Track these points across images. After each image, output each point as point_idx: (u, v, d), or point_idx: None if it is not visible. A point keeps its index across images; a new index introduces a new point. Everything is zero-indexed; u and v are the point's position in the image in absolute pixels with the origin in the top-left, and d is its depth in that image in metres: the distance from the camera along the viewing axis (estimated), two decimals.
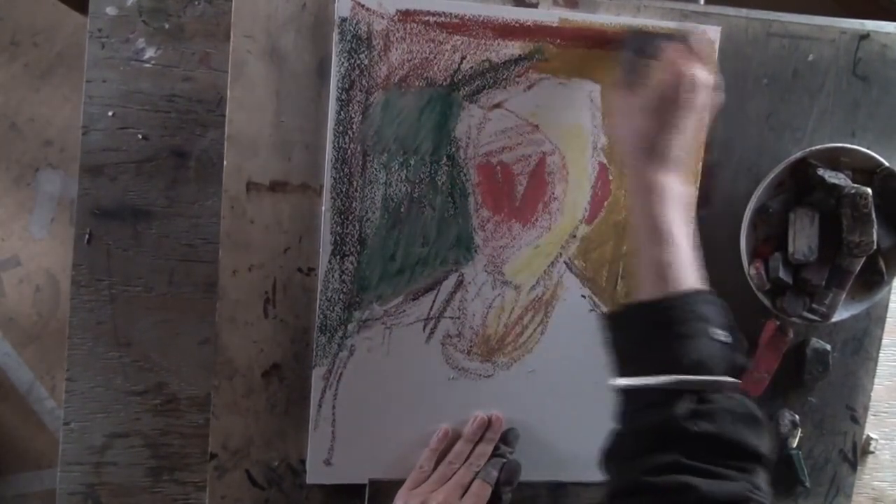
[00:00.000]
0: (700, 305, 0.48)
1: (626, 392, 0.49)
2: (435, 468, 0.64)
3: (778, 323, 0.70)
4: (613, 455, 0.48)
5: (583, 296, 0.67)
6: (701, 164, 0.67)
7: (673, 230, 0.50)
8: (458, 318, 0.65)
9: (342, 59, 0.60)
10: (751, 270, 0.66)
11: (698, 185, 0.67)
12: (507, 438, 0.66)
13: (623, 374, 0.50)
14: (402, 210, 0.63)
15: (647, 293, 0.50)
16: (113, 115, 0.61)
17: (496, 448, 0.65)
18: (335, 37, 0.60)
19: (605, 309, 0.67)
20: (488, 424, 0.66)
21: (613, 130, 0.59)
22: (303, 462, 0.65)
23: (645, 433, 0.47)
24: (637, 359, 0.49)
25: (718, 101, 0.56)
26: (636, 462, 0.45)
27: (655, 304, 0.49)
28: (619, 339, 0.51)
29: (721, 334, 0.48)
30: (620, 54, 0.61)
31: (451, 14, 0.61)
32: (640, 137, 0.54)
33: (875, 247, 0.63)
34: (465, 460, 0.64)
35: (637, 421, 0.48)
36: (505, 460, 0.64)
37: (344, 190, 0.62)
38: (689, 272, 0.50)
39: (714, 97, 0.56)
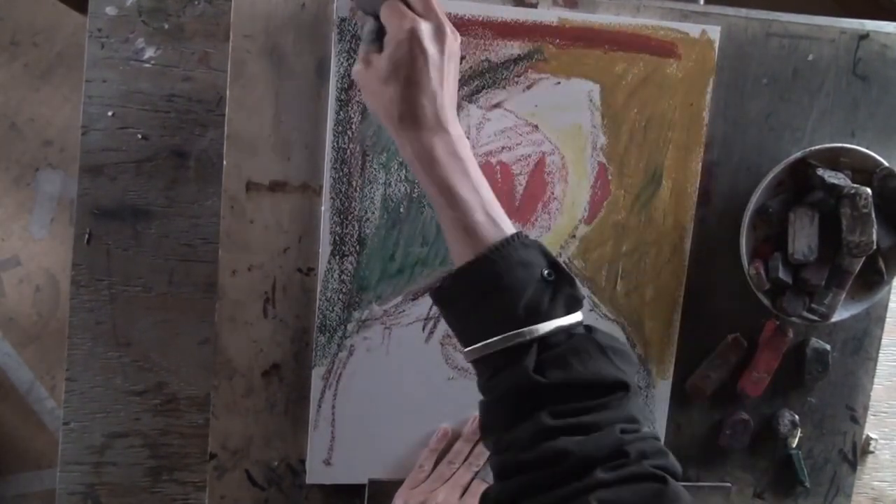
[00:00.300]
0: (514, 252, 0.46)
1: (476, 362, 0.48)
2: (434, 468, 0.64)
3: (778, 323, 0.70)
4: (486, 428, 0.47)
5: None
6: (701, 163, 0.67)
7: (458, 190, 0.48)
8: None
9: (342, 59, 0.60)
10: (751, 270, 0.66)
11: (698, 184, 0.67)
12: None
13: (467, 343, 0.48)
14: (401, 210, 0.63)
15: (460, 258, 0.48)
16: (113, 115, 0.61)
17: None
18: (335, 37, 0.60)
19: (603, 311, 0.67)
20: None
21: (370, 109, 0.54)
22: (302, 462, 0.65)
23: (504, 399, 0.45)
24: (474, 326, 0.47)
25: (454, 41, 0.51)
26: (508, 435, 0.44)
27: (471, 267, 0.47)
28: (452, 312, 0.49)
29: (545, 273, 0.46)
30: (356, 17, 0.57)
31: (450, 14, 0.61)
32: (393, 105, 0.50)
33: (875, 247, 0.63)
34: (465, 460, 0.64)
35: (495, 389, 0.46)
36: None
37: (343, 190, 0.62)
38: (490, 224, 0.47)
39: (448, 41, 0.51)
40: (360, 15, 0.56)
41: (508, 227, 0.48)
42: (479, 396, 0.66)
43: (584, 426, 0.42)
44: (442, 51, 0.50)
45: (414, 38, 0.49)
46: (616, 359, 0.45)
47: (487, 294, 0.46)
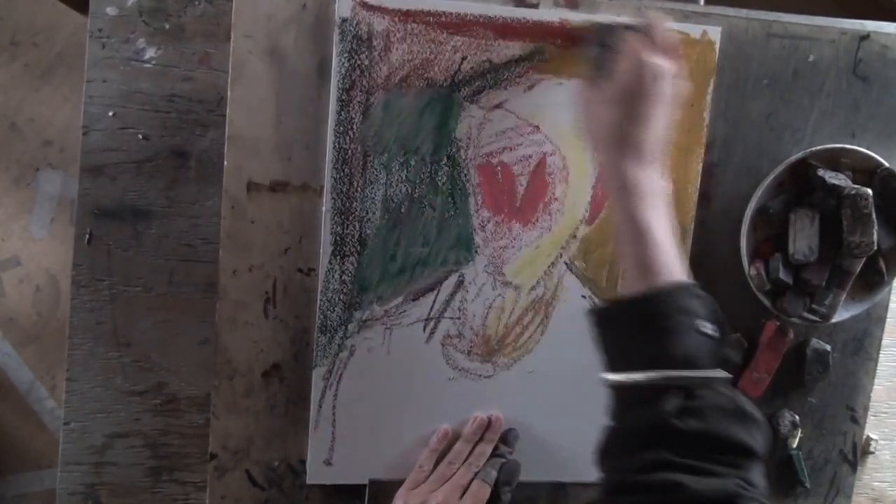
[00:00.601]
0: (684, 299, 0.47)
1: (616, 388, 0.49)
2: (435, 468, 0.64)
3: (778, 323, 0.70)
4: (606, 451, 0.48)
5: (583, 296, 0.67)
6: (701, 164, 0.67)
7: (652, 226, 0.50)
8: (459, 318, 0.65)
9: (343, 60, 0.60)
10: (751, 271, 0.66)
11: (698, 185, 0.67)
12: (506, 439, 0.66)
13: (612, 369, 0.49)
14: (402, 210, 0.63)
15: (631, 289, 0.49)
16: (113, 115, 0.61)
17: (496, 448, 0.65)
18: (336, 37, 0.60)
19: (592, 305, 0.67)
20: (488, 425, 0.66)
21: (583, 127, 0.57)
22: (303, 462, 0.65)
23: (635, 430, 0.46)
24: (625, 355, 0.49)
25: (684, 89, 0.54)
26: (627, 460, 0.45)
27: (639, 299, 0.48)
28: (606, 335, 0.51)
29: (708, 327, 0.47)
30: (586, 50, 0.60)
31: (451, 14, 0.61)
32: (609, 130, 0.52)
33: (875, 247, 0.63)
34: (465, 460, 0.64)
35: (627, 418, 0.48)
36: (504, 460, 0.64)
37: (344, 190, 0.62)
38: (671, 267, 0.49)
39: (679, 86, 0.54)
40: (598, 46, 0.58)
41: (683, 275, 0.49)
42: (480, 397, 0.66)
43: (704, 471, 0.43)
44: (671, 93, 0.52)
45: (658, 77, 0.51)
46: (751, 425, 0.45)
47: (649, 330, 0.47)
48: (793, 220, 0.65)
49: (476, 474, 0.63)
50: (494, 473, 0.63)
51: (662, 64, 0.52)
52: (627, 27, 0.57)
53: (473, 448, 0.65)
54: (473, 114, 0.63)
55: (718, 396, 0.45)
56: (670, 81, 0.52)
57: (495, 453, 0.65)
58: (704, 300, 0.49)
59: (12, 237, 1.46)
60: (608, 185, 0.53)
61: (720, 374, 0.46)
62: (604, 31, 0.59)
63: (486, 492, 0.61)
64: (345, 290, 0.63)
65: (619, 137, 0.52)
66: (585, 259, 0.67)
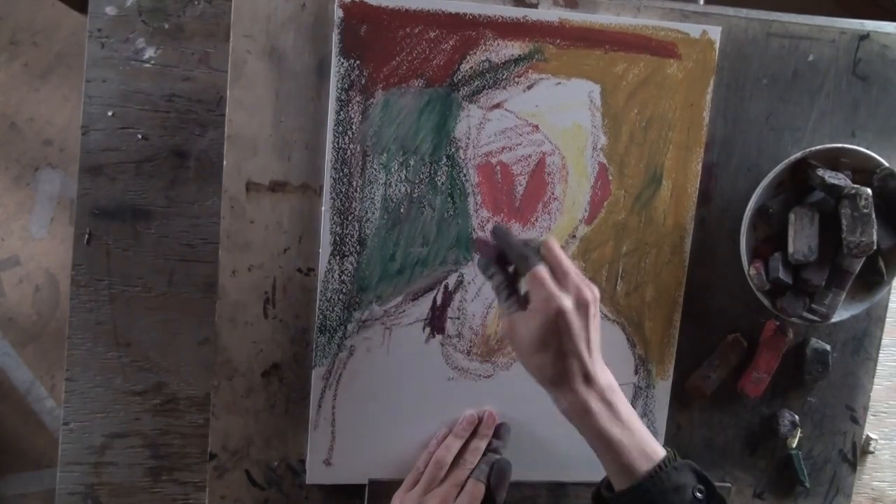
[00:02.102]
0: (666, 478, 0.51)
1: None
2: None
3: (778, 323, 0.70)
4: None
5: None
6: (701, 163, 0.67)
7: (611, 435, 0.52)
8: (458, 318, 0.65)
9: (342, 60, 0.60)
10: (751, 270, 0.66)
11: (698, 184, 0.67)
12: (498, 433, 0.66)
13: None
14: (401, 210, 0.63)
15: (617, 484, 0.53)
16: (113, 115, 0.61)
17: (489, 444, 0.65)
18: (335, 37, 0.60)
19: (603, 311, 0.67)
20: (480, 421, 0.66)
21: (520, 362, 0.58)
22: (302, 462, 0.65)
23: None
24: None
25: (596, 301, 0.54)
26: None
27: (625, 495, 0.52)
28: None
29: (696, 493, 0.51)
30: (486, 273, 0.58)
31: (450, 14, 0.61)
32: (539, 370, 0.54)
33: (875, 247, 0.63)
34: (459, 458, 0.64)
35: None
36: (497, 457, 0.64)
37: (344, 190, 0.62)
38: (643, 458, 0.52)
39: (592, 306, 0.53)
40: (488, 265, 0.57)
41: (659, 454, 0.52)
42: (479, 396, 0.66)
43: None
44: (585, 319, 0.53)
45: (561, 317, 0.52)
46: None
47: None
48: (792, 220, 0.65)
49: (471, 473, 0.63)
50: (488, 471, 0.63)
51: (564, 303, 0.52)
52: (524, 248, 0.56)
53: (467, 444, 0.65)
54: (472, 113, 0.63)
55: None
56: (576, 314, 0.52)
57: (489, 449, 0.65)
58: (685, 468, 0.52)
59: (12, 237, 1.46)
60: (560, 411, 0.54)
61: None
62: (500, 239, 0.57)
63: (482, 490, 0.61)
64: (344, 290, 0.63)
65: (556, 374, 0.53)
66: (585, 258, 0.67)
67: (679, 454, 0.54)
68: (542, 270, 0.53)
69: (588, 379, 0.53)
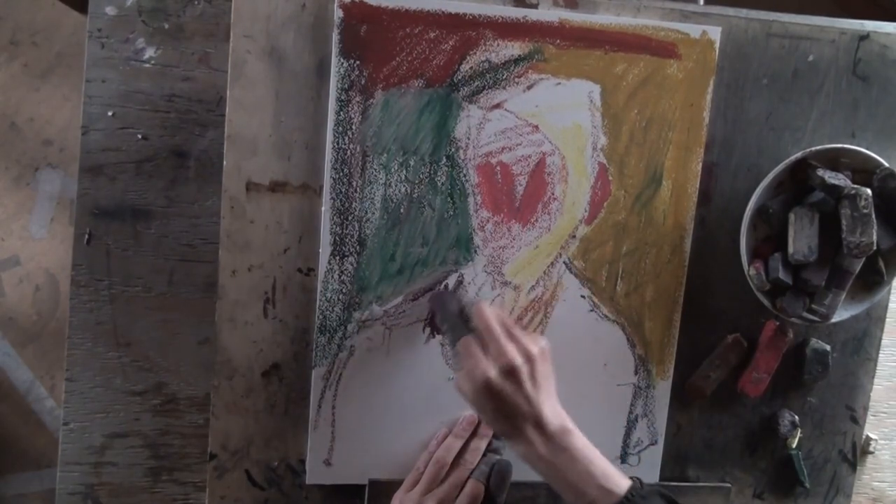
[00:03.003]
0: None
1: None
2: None
3: (778, 323, 0.70)
4: None
5: (582, 296, 0.67)
6: (701, 163, 0.67)
7: (569, 478, 0.53)
8: None
9: (342, 60, 0.60)
10: (751, 270, 0.66)
11: (698, 185, 0.67)
12: None
13: None
14: (401, 210, 0.63)
15: None
16: (113, 115, 0.61)
17: (489, 444, 0.65)
18: (335, 37, 0.60)
19: (603, 311, 0.67)
20: (479, 422, 0.66)
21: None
22: (302, 462, 0.65)
23: None
24: None
25: (540, 361, 0.56)
26: None
27: None
28: None
29: None
30: (438, 319, 0.63)
31: (450, 14, 0.61)
32: (490, 423, 0.57)
33: (875, 247, 0.63)
34: (459, 459, 0.64)
35: None
36: (497, 458, 0.64)
37: (344, 190, 0.62)
38: (605, 495, 0.52)
39: (523, 368, 0.55)
40: (442, 319, 0.62)
41: (623, 487, 0.53)
42: None
43: None
44: (516, 382, 0.54)
45: (488, 387, 0.54)
46: None
47: None
48: (792, 220, 0.65)
49: (471, 473, 0.63)
50: (488, 471, 0.63)
51: (489, 373, 0.54)
52: (456, 318, 0.59)
53: (467, 444, 0.65)
54: (472, 114, 0.63)
55: None
56: (505, 379, 0.54)
57: (489, 449, 0.65)
58: (650, 496, 0.53)
59: (12, 237, 1.46)
60: (517, 455, 0.56)
61: None
62: (437, 308, 0.62)
63: (481, 491, 0.61)
64: (344, 291, 0.63)
65: (504, 430, 0.55)
66: (584, 258, 0.67)
67: (679, 454, 0.54)
68: (467, 342, 0.56)
69: (539, 426, 0.54)
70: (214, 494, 0.64)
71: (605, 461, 0.55)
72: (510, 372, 0.54)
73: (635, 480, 0.54)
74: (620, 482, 0.53)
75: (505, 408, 0.54)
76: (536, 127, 0.64)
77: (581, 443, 0.55)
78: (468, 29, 0.61)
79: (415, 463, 0.65)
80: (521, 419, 0.54)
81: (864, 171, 0.66)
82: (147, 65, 0.61)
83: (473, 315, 0.58)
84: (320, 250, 0.63)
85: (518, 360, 0.55)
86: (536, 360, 0.56)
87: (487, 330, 0.56)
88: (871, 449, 0.77)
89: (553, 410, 0.56)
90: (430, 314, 0.64)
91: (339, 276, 0.63)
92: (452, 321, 0.59)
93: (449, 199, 0.64)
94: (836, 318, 0.67)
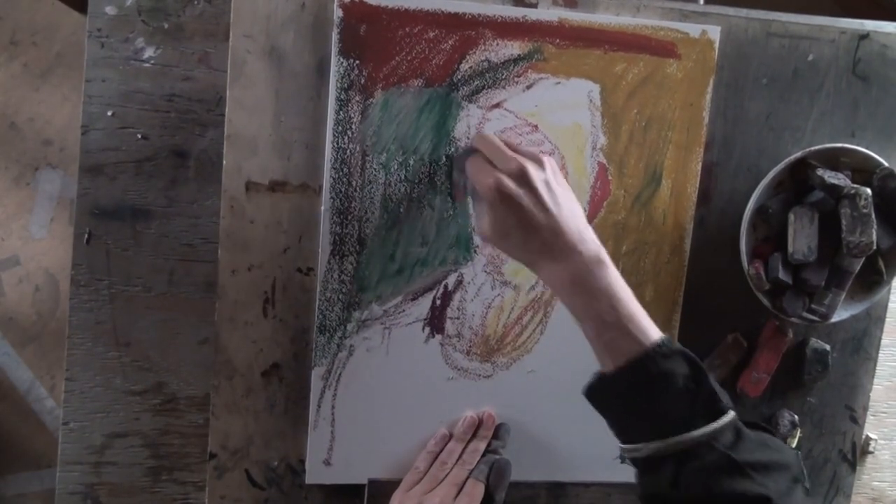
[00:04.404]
0: (652, 365, 0.47)
1: (625, 458, 0.50)
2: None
3: (777, 323, 0.70)
4: None
5: None
6: (700, 163, 0.67)
7: (594, 310, 0.49)
8: (458, 318, 0.65)
9: (341, 59, 0.60)
10: (750, 270, 0.66)
11: (698, 184, 0.67)
12: (498, 433, 0.66)
13: (619, 439, 0.51)
14: (401, 210, 0.63)
15: (603, 367, 0.50)
16: (112, 114, 0.61)
17: (488, 445, 0.65)
18: (334, 37, 0.60)
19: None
20: (480, 422, 0.66)
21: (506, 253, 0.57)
22: (302, 462, 0.65)
23: (646, 500, 0.48)
24: (622, 430, 0.50)
25: (547, 167, 0.53)
26: None
27: (609, 379, 0.49)
28: (600, 412, 0.52)
29: (685, 383, 0.47)
30: (455, 176, 0.62)
31: (450, 14, 0.61)
32: (518, 255, 0.53)
33: (874, 247, 0.63)
34: (458, 459, 0.64)
35: (640, 489, 0.49)
36: (496, 457, 0.64)
37: (343, 190, 0.62)
38: (629, 339, 0.48)
39: (536, 172, 0.52)
40: (459, 175, 0.61)
41: (648, 338, 0.48)
42: (479, 396, 0.66)
43: None
44: (532, 187, 0.51)
45: (501, 193, 0.51)
46: (758, 474, 0.44)
47: (628, 406, 0.48)
48: (792, 220, 0.65)
49: (470, 472, 0.63)
50: (487, 471, 0.63)
51: (500, 179, 0.51)
52: (465, 153, 0.59)
53: (466, 446, 0.65)
54: (472, 113, 0.63)
55: (713, 456, 0.45)
56: (519, 184, 0.51)
57: (488, 450, 0.65)
58: (677, 356, 0.48)
59: (12, 237, 1.46)
60: (550, 287, 0.52)
61: (710, 427, 0.46)
62: (458, 162, 0.62)
63: (481, 490, 0.61)
64: (344, 290, 0.63)
65: (532, 251, 0.52)
66: None
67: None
68: (475, 158, 0.53)
69: (566, 248, 0.50)
70: (214, 494, 0.64)
71: (637, 306, 0.50)
72: (521, 175, 0.51)
73: (665, 337, 0.49)
74: (649, 332, 0.48)
75: (522, 219, 0.50)
76: (536, 126, 0.64)
77: (613, 278, 0.50)
78: (468, 28, 0.61)
79: (414, 463, 0.65)
80: (545, 233, 0.50)
81: (863, 170, 0.66)
82: (147, 64, 0.61)
83: (476, 141, 0.56)
84: (320, 250, 0.63)
85: (526, 162, 0.52)
86: (546, 166, 0.53)
87: (490, 146, 0.54)
88: (870, 449, 0.77)
89: (585, 234, 0.51)
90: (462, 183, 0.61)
91: (339, 276, 0.63)
92: (459, 159, 0.57)
93: (448, 198, 0.64)
94: (835, 318, 0.67)
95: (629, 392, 0.48)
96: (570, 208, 0.53)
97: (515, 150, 0.54)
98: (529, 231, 0.51)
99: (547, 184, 0.52)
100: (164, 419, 0.65)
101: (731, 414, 0.47)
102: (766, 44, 0.67)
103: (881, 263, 0.67)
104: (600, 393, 0.51)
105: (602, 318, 0.48)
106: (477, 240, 0.64)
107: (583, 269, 0.50)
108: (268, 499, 0.65)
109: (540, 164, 0.53)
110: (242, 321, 0.63)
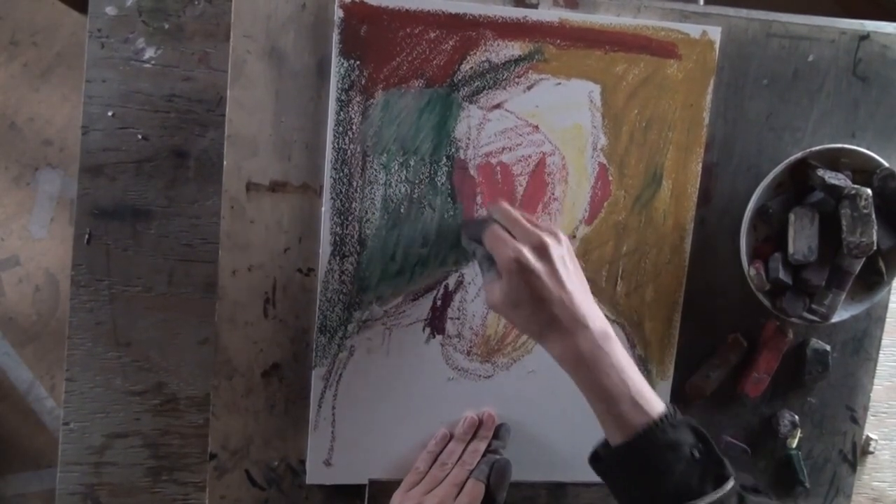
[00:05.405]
0: (661, 435, 0.49)
1: None
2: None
3: (778, 323, 0.70)
4: None
5: None
6: (701, 163, 0.67)
7: (604, 384, 0.50)
8: (458, 318, 0.65)
9: (342, 60, 0.60)
10: (751, 271, 0.66)
11: (698, 185, 0.67)
12: (498, 433, 0.66)
13: None
14: (401, 210, 0.63)
15: (611, 439, 0.51)
16: (112, 115, 0.61)
17: (489, 445, 0.65)
18: (335, 37, 0.60)
19: (603, 311, 0.67)
20: (480, 423, 0.66)
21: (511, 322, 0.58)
22: (302, 462, 0.65)
23: None
24: (628, 500, 0.51)
25: (563, 243, 0.54)
26: None
27: (619, 451, 0.50)
28: (606, 482, 0.53)
29: (693, 452, 0.49)
30: (465, 242, 0.62)
31: (451, 14, 0.61)
32: (525, 326, 0.54)
33: (875, 247, 0.63)
34: (458, 459, 0.64)
35: None
36: (497, 457, 0.64)
37: (344, 190, 0.62)
38: (637, 411, 0.49)
39: (556, 247, 0.53)
40: (469, 242, 0.61)
41: (655, 410, 0.50)
42: (479, 397, 0.66)
43: None
44: (551, 262, 0.52)
45: (520, 266, 0.52)
46: None
47: (637, 476, 0.49)
48: (792, 220, 0.65)
49: (471, 473, 0.63)
50: (488, 471, 0.63)
51: (520, 252, 0.52)
52: (478, 221, 0.59)
53: (467, 446, 0.65)
54: (473, 114, 0.63)
55: None
56: (538, 258, 0.52)
57: (488, 450, 0.65)
58: (682, 425, 0.50)
59: (12, 237, 1.46)
60: (554, 359, 0.53)
61: (717, 493, 0.47)
62: (468, 226, 0.62)
63: (481, 490, 0.61)
64: (344, 291, 0.63)
65: (541, 325, 0.53)
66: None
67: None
68: (495, 227, 0.54)
69: (576, 323, 0.51)
70: (214, 494, 0.64)
71: (642, 378, 0.51)
72: (540, 249, 0.52)
73: (669, 407, 0.51)
74: (654, 404, 0.50)
75: (538, 292, 0.51)
76: (536, 127, 0.64)
77: (621, 353, 0.52)
78: (468, 29, 0.61)
79: (414, 463, 0.65)
80: (556, 309, 0.51)
81: (864, 171, 0.66)
82: (147, 65, 0.61)
83: (493, 211, 0.57)
84: (320, 250, 0.62)
85: (547, 237, 0.53)
86: (564, 243, 0.54)
87: (510, 218, 0.55)
88: (871, 449, 0.77)
89: (593, 311, 0.53)
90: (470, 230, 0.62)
91: (340, 277, 0.63)
92: (477, 225, 0.58)
93: (449, 199, 0.64)
94: (836, 318, 0.67)
95: (638, 462, 0.49)
96: (582, 284, 0.54)
97: (534, 224, 0.56)
98: (542, 304, 0.52)
99: (563, 260, 0.54)
100: (165, 419, 0.65)
101: (733, 480, 0.49)
102: (766, 44, 0.67)
103: (881, 264, 0.67)
104: (608, 463, 0.52)
105: (611, 392, 0.50)
106: None
107: (592, 344, 0.51)
108: (268, 499, 0.65)
109: (558, 239, 0.54)
110: (243, 321, 0.63)
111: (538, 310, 0.52)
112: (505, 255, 0.52)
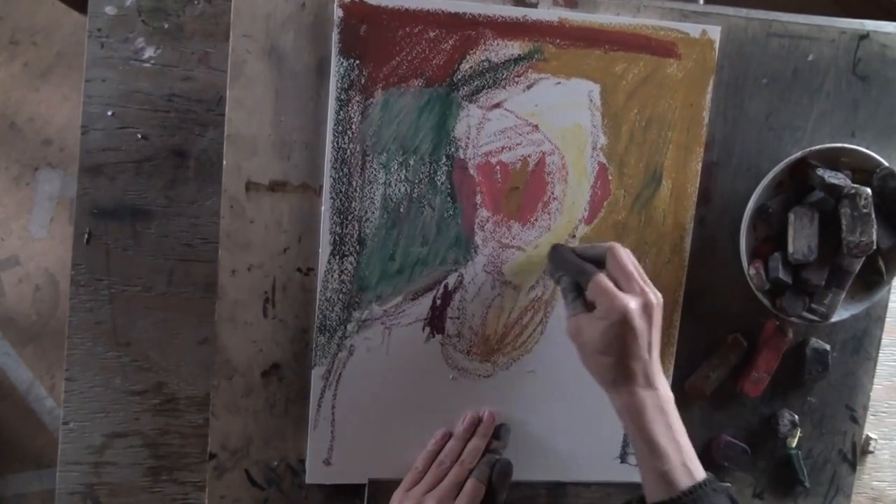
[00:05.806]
0: (704, 497, 0.51)
1: None
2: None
3: (777, 323, 0.70)
4: None
5: None
6: (700, 163, 0.67)
7: (659, 441, 0.53)
8: (458, 318, 0.65)
9: (341, 59, 0.60)
10: (750, 270, 0.66)
11: (698, 184, 0.67)
12: (498, 433, 0.66)
13: None
14: (401, 210, 0.63)
15: (652, 496, 0.53)
16: (112, 114, 0.61)
17: (488, 445, 0.65)
18: (334, 36, 0.60)
19: None
20: (479, 422, 0.66)
21: (583, 363, 0.59)
22: (302, 462, 0.65)
23: None
24: None
25: (660, 307, 0.56)
26: None
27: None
28: None
29: None
30: (555, 279, 0.61)
31: (450, 13, 0.61)
32: (601, 372, 0.55)
33: (874, 247, 0.63)
34: (458, 459, 0.64)
35: None
36: (498, 457, 0.64)
37: (343, 190, 0.62)
38: (685, 473, 0.52)
39: (656, 311, 0.55)
40: (555, 270, 0.61)
41: (700, 474, 0.53)
42: (479, 396, 0.66)
43: None
44: (650, 324, 0.54)
45: (626, 320, 0.53)
46: None
47: None
48: (792, 220, 0.65)
49: (470, 472, 0.63)
50: (488, 471, 0.63)
51: (629, 306, 0.53)
52: (580, 262, 0.58)
53: (466, 445, 0.65)
54: (472, 113, 0.63)
55: None
56: (642, 316, 0.54)
57: (488, 450, 0.65)
58: (721, 492, 0.52)
59: (11, 237, 1.46)
60: (616, 410, 0.56)
61: None
62: (558, 257, 0.61)
63: (481, 490, 0.61)
64: (344, 290, 0.63)
65: (617, 375, 0.54)
66: None
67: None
68: (602, 278, 0.55)
69: (648, 382, 0.54)
70: (214, 494, 0.64)
71: (690, 445, 0.54)
72: (647, 309, 0.54)
73: (710, 474, 0.54)
74: (699, 469, 0.53)
75: (630, 349, 0.53)
76: (536, 126, 0.64)
77: (677, 417, 0.55)
78: (468, 28, 0.61)
79: (414, 463, 0.65)
80: (637, 367, 0.54)
81: (863, 170, 0.66)
82: (147, 64, 0.61)
83: (609, 255, 0.57)
84: (320, 250, 0.62)
85: (654, 299, 0.55)
86: (661, 304, 0.56)
87: (626, 271, 0.56)
88: (870, 448, 0.77)
89: (661, 375, 0.56)
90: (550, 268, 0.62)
91: (339, 276, 0.63)
92: (576, 266, 0.58)
93: (449, 198, 0.64)
94: (835, 318, 0.67)
95: None
96: (658, 344, 0.56)
97: (644, 279, 0.57)
98: (628, 359, 0.54)
99: (659, 323, 0.56)
100: (164, 419, 0.65)
101: None
102: (766, 44, 0.67)
103: (881, 263, 0.67)
104: None
105: (664, 451, 0.53)
106: (477, 240, 0.64)
107: (659, 404, 0.54)
108: (268, 499, 0.65)
109: (660, 301, 0.56)
110: (242, 321, 0.63)
111: (621, 364, 0.54)
112: (614, 307, 0.53)
